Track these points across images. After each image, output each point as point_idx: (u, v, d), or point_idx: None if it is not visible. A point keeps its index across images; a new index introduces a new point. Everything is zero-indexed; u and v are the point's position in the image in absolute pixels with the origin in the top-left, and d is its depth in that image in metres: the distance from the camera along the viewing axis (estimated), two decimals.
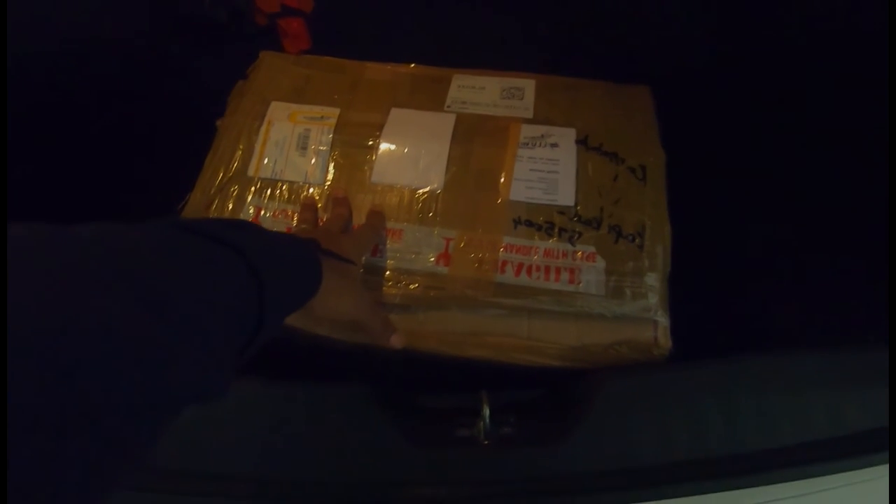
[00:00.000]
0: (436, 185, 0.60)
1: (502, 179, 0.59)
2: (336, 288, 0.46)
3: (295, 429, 0.44)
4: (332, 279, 0.45)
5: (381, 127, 0.63)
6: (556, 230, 0.57)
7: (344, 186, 0.60)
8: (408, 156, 0.61)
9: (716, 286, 0.67)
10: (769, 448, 0.44)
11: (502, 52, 0.77)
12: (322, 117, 0.64)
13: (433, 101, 0.66)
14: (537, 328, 0.54)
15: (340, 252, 0.49)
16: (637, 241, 0.56)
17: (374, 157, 0.61)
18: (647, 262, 0.56)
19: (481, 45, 0.84)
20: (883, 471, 0.44)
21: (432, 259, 0.57)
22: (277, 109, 0.65)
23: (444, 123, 0.63)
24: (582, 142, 0.61)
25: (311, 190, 0.61)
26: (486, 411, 0.44)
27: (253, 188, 0.61)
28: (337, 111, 0.64)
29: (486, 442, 0.44)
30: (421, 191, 0.59)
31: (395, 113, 0.64)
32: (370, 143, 0.62)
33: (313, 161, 0.62)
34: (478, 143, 0.62)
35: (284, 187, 0.61)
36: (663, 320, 0.54)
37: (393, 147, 0.62)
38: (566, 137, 0.62)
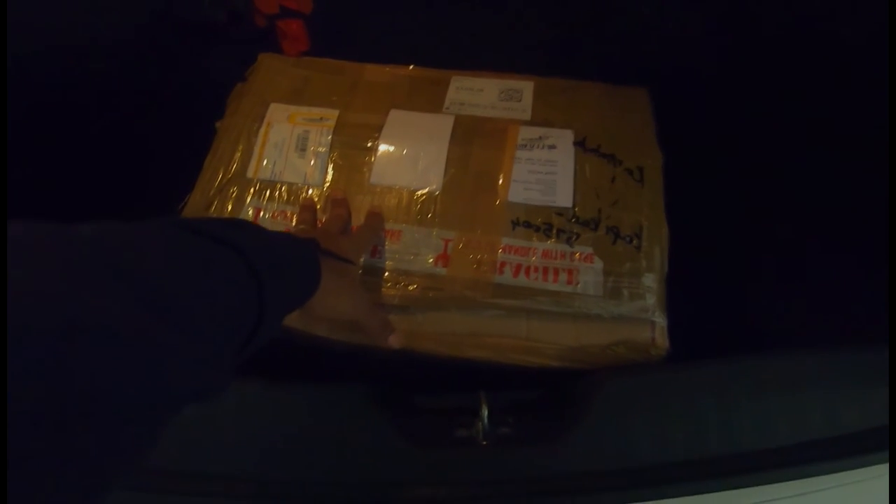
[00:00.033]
0: (434, 187, 0.60)
1: (501, 181, 0.60)
2: (335, 288, 0.47)
3: (294, 429, 0.44)
4: (331, 279, 0.45)
5: (379, 128, 0.63)
6: (555, 231, 0.57)
7: (343, 188, 0.61)
8: (406, 157, 0.61)
9: (713, 287, 0.68)
10: (766, 448, 0.44)
11: (500, 54, 0.78)
12: (321, 119, 0.64)
13: (432, 102, 0.66)
14: (536, 329, 0.54)
15: (339, 252, 0.50)
16: (635, 242, 0.57)
17: (372, 159, 0.62)
18: (645, 262, 0.56)
19: (480, 46, 0.84)
20: (879, 471, 0.44)
21: (431, 260, 0.57)
22: (276, 111, 0.65)
23: (442, 125, 0.63)
24: (580, 143, 0.62)
25: (310, 191, 0.61)
26: (485, 412, 0.44)
27: (252, 189, 0.61)
28: (336, 113, 0.64)
29: (484, 442, 0.44)
30: (420, 192, 0.60)
31: (394, 114, 0.64)
32: (369, 144, 0.62)
33: (312, 162, 0.62)
34: (476, 145, 0.62)
35: (283, 188, 0.61)
36: (661, 321, 0.54)
37: (392, 148, 0.62)
38: (564, 139, 0.62)
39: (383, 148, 0.62)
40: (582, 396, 0.46)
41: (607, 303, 0.54)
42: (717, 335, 0.53)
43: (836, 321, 0.66)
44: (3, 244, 0.21)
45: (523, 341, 0.54)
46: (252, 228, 0.39)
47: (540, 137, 0.62)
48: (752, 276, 0.73)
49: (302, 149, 0.62)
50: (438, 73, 0.70)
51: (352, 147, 0.62)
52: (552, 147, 0.61)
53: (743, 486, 0.43)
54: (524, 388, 0.51)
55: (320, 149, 0.62)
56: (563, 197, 0.59)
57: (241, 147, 0.63)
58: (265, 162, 0.62)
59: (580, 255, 0.56)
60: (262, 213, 0.60)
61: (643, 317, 0.54)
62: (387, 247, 0.58)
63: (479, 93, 0.67)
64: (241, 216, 0.60)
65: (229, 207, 0.60)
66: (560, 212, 0.58)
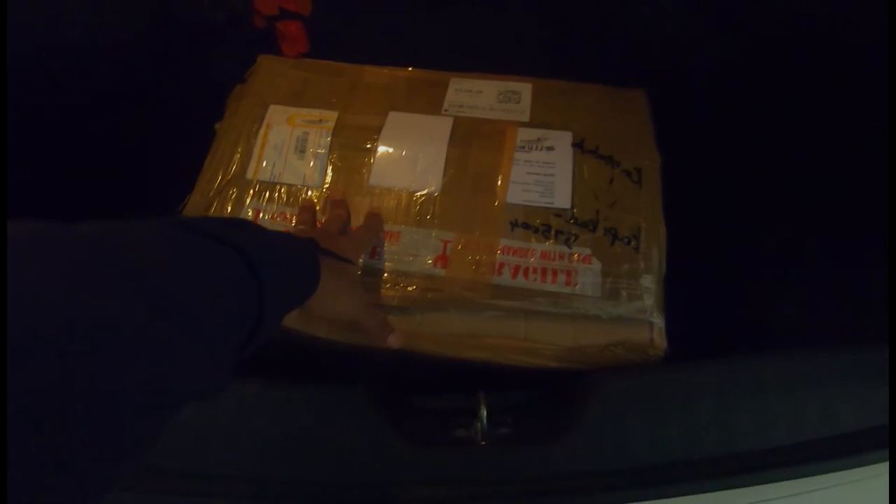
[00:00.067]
0: (433, 188, 0.60)
1: (499, 182, 0.60)
2: (334, 287, 0.47)
3: (294, 429, 0.45)
4: (330, 278, 0.45)
5: (378, 130, 0.63)
6: (553, 233, 0.57)
7: (342, 189, 0.61)
8: (405, 159, 0.62)
9: (711, 288, 0.68)
10: (764, 448, 0.44)
11: (499, 56, 0.78)
12: (320, 120, 0.64)
13: (431, 104, 0.66)
14: (534, 329, 0.55)
15: (338, 252, 0.50)
16: (633, 243, 0.57)
17: (372, 160, 0.62)
18: (643, 263, 0.56)
19: (478, 48, 0.85)
20: (876, 470, 0.45)
21: (430, 261, 0.57)
22: (276, 112, 0.65)
23: (441, 127, 0.64)
24: (578, 145, 0.62)
25: (309, 193, 0.61)
26: (484, 412, 0.45)
27: (251, 191, 0.61)
28: (335, 114, 0.65)
29: (483, 442, 0.44)
30: (419, 193, 0.60)
31: (393, 116, 0.65)
32: (368, 146, 0.62)
33: (311, 164, 0.62)
34: (475, 147, 0.62)
35: (283, 190, 0.61)
36: (659, 321, 0.54)
37: (391, 150, 0.62)
38: (562, 141, 0.62)
39: (382, 149, 0.62)
40: (580, 397, 0.46)
41: (605, 304, 0.54)
42: (714, 336, 0.53)
43: (835, 321, 0.66)
44: (3, 244, 0.21)
45: (522, 342, 0.54)
46: (252, 228, 0.39)
47: (538, 139, 0.62)
48: (751, 276, 0.73)
49: (301, 150, 0.63)
50: (437, 75, 0.70)
51: (351, 149, 0.62)
52: (550, 149, 0.62)
53: (740, 486, 0.43)
54: (523, 389, 0.51)
55: (319, 150, 0.62)
56: (562, 198, 0.59)
57: (240, 148, 0.63)
58: (264, 163, 0.62)
59: (578, 256, 0.56)
60: (261, 215, 0.60)
61: (641, 317, 0.54)
62: (386, 248, 0.58)
63: (477, 94, 0.68)
64: (241, 217, 0.60)
65: (229, 209, 0.60)
66: (558, 213, 0.58)
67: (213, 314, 0.28)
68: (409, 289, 0.56)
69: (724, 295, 0.70)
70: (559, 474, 0.43)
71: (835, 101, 0.74)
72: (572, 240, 0.57)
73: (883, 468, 0.45)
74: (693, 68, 0.85)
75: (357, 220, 0.59)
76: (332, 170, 0.62)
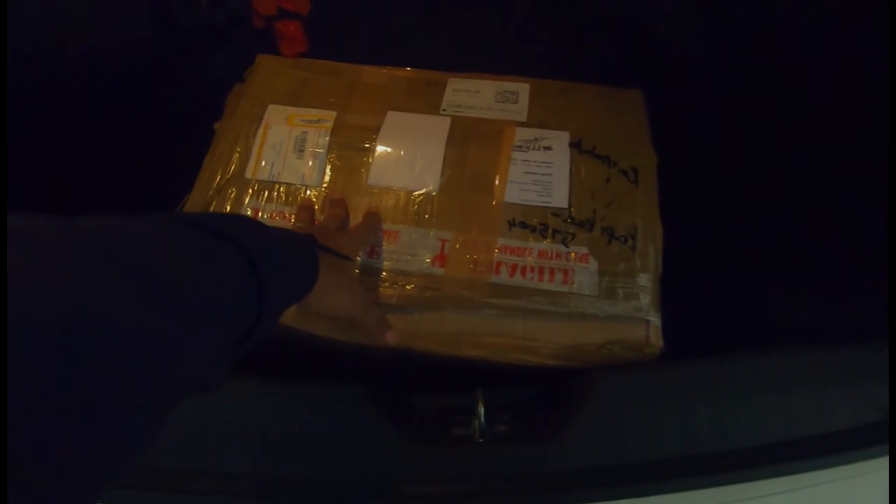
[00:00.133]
0: (431, 188, 0.60)
1: (497, 182, 0.60)
2: (332, 284, 0.47)
3: (292, 427, 0.45)
4: (329, 275, 0.46)
5: (377, 130, 0.64)
6: (550, 232, 0.58)
7: (341, 188, 0.61)
8: (404, 158, 0.62)
9: (707, 286, 0.68)
10: (758, 444, 0.45)
11: (497, 56, 0.78)
12: (319, 120, 0.64)
13: (429, 104, 0.67)
14: (532, 328, 0.55)
15: (337, 248, 0.50)
16: (629, 242, 0.57)
17: (370, 160, 0.62)
18: (639, 262, 0.56)
19: (476, 48, 0.85)
20: (869, 466, 0.45)
21: (428, 260, 0.57)
22: (274, 112, 0.65)
23: (439, 126, 0.64)
24: (575, 145, 0.62)
25: (308, 192, 0.61)
26: (482, 410, 0.45)
27: (250, 190, 0.61)
28: (333, 114, 0.65)
29: (481, 440, 0.45)
30: (417, 193, 0.60)
31: (391, 116, 0.65)
32: (366, 145, 0.63)
33: (310, 163, 0.62)
34: (473, 146, 0.62)
35: (282, 189, 0.61)
36: (655, 320, 0.55)
37: (389, 150, 0.63)
38: (560, 140, 0.63)
39: (381, 149, 0.63)
40: (577, 395, 0.47)
41: (602, 302, 0.55)
42: (710, 334, 0.53)
43: (833, 320, 0.66)
44: (3, 238, 0.21)
45: (519, 340, 0.55)
46: (251, 224, 0.39)
47: (536, 139, 0.63)
48: (747, 275, 0.73)
49: (300, 150, 0.63)
50: (435, 75, 0.71)
51: (349, 148, 0.63)
52: (548, 148, 0.62)
53: (735, 482, 0.43)
54: (520, 387, 0.51)
55: (318, 150, 0.63)
56: (559, 198, 0.59)
57: (239, 148, 0.63)
58: (263, 163, 0.62)
59: (575, 255, 0.57)
60: (260, 214, 0.61)
61: (638, 316, 0.54)
62: (384, 247, 0.58)
63: (475, 94, 0.68)
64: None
65: (228, 208, 0.61)
66: (556, 212, 0.59)
67: (213, 309, 0.28)
68: (408, 287, 0.56)
69: (720, 293, 0.71)
70: (556, 471, 0.43)
71: (833, 101, 0.74)
72: (569, 239, 0.57)
73: (876, 464, 0.45)
74: (690, 68, 0.85)
75: (356, 220, 0.59)
76: (331, 169, 0.62)
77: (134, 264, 0.25)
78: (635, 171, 0.61)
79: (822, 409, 0.46)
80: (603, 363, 0.54)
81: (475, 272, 0.56)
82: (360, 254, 0.57)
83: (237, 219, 0.38)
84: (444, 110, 0.66)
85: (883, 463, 0.45)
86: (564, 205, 0.59)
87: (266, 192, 0.61)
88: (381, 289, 0.57)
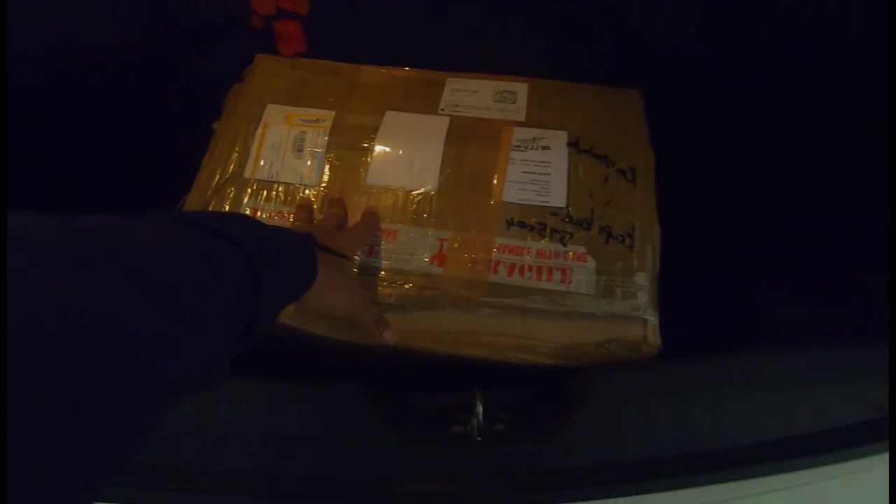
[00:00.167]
0: (430, 187, 0.60)
1: (495, 181, 0.60)
2: (330, 282, 0.47)
3: (292, 426, 0.45)
4: (327, 273, 0.46)
5: (375, 129, 0.64)
6: (548, 231, 0.58)
7: (339, 188, 0.61)
8: (402, 158, 0.62)
9: (704, 285, 0.69)
10: (755, 442, 0.45)
11: (495, 56, 0.78)
12: (317, 120, 0.65)
13: (427, 104, 0.67)
14: (530, 327, 0.55)
15: (335, 247, 0.50)
16: (627, 241, 0.58)
17: (369, 160, 0.62)
18: (637, 262, 0.57)
19: (475, 48, 0.85)
20: (865, 464, 0.45)
21: (427, 259, 0.58)
22: (273, 112, 0.65)
23: (438, 126, 0.64)
24: (573, 144, 0.62)
25: (306, 192, 0.61)
26: (480, 409, 0.45)
27: (249, 190, 0.62)
28: (332, 114, 0.65)
29: (479, 438, 0.45)
30: (415, 192, 0.60)
31: (390, 116, 0.65)
32: (365, 145, 0.63)
33: (309, 163, 0.62)
34: (471, 146, 0.63)
35: (280, 189, 0.62)
36: (652, 319, 0.55)
37: (388, 149, 0.63)
38: (558, 140, 0.63)
39: (379, 149, 0.63)
40: (575, 393, 0.47)
41: (600, 301, 0.55)
42: (707, 333, 0.54)
43: (831, 319, 0.67)
44: (3, 237, 0.21)
45: (518, 339, 0.55)
46: (249, 222, 0.39)
47: (534, 138, 0.63)
48: (744, 274, 0.73)
49: (298, 149, 0.63)
50: (434, 75, 0.71)
51: (348, 148, 0.63)
52: (546, 148, 0.62)
53: (732, 480, 0.43)
54: (518, 386, 0.51)
55: (317, 149, 0.63)
56: (557, 197, 0.59)
57: (238, 148, 0.63)
58: (262, 162, 0.62)
59: (573, 254, 0.57)
60: (259, 214, 0.61)
61: (635, 315, 0.55)
62: (383, 246, 0.58)
63: (473, 94, 0.68)
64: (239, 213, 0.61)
65: (226, 207, 0.61)
66: (554, 212, 0.59)
67: (211, 307, 0.28)
68: (406, 287, 0.57)
69: (718, 293, 0.71)
70: (554, 469, 0.43)
71: (833, 101, 0.74)
72: (567, 238, 0.58)
73: (872, 462, 0.45)
74: (689, 68, 0.85)
75: (354, 219, 0.60)
76: (330, 169, 0.62)
77: (133, 263, 0.25)
78: (633, 171, 0.61)
79: (819, 407, 0.46)
80: (601, 362, 0.54)
81: (473, 271, 0.57)
82: (359, 253, 0.58)
83: (235, 217, 0.38)
84: (442, 110, 0.66)
85: (879, 460, 0.45)
86: (562, 204, 0.59)
87: (265, 192, 0.61)
88: (379, 288, 0.57)
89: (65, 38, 0.75)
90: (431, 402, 0.50)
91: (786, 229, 0.74)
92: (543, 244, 0.57)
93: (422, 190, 0.60)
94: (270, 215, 0.60)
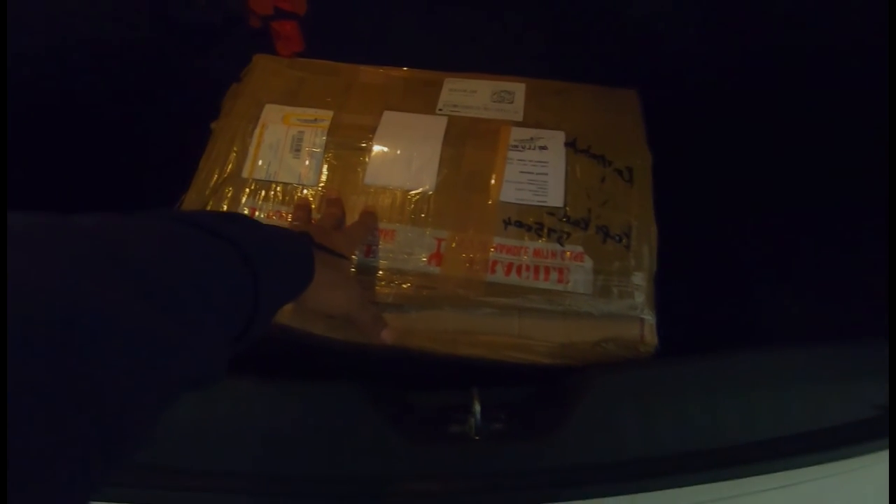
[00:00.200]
0: (428, 187, 0.61)
1: (493, 181, 0.61)
2: (328, 281, 0.47)
3: (290, 426, 0.45)
4: (325, 273, 0.46)
5: (373, 129, 0.64)
6: (546, 231, 0.58)
7: (337, 188, 0.61)
8: (400, 158, 0.62)
9: (702, 285, 0.69)
10: (752, 441, 0.45)
11: (493, 56, 0.79)
12: (315, 120, 0.65)
13: (425, 104, 0.67)
14: (527, 326, 0.55)
15: (333, 247, 0.50)
16: (624, 241, 0.58)
17: (366, 159, 0.62)
18: (634, 261, 0.57)
19: (472, 48, 0.85)
20: (861, 462, 0.46)
21: (424, 259, 0.58)
22: (271, 112, 0.65)
23: (435, 126, 0.64)
24: (571, 144, 0.63)
25: (304, 191, 0.62)
26: (478, 408, 0.45)
27: (247, 189, 0.62)
28: (330, 114, 0.65)
29: (477, 437, 0.45)
30: (413, 192, 0.60)
31: (388, 116, 0.65)
32: (363, 145, 0.63)
33: (307, 163, 0.62)
34: (469, 146, 0.63)
35: (278, 189, 0.62)
36: (649, 318, 0.55)
37: (385, 149, 0.63)
38: (555, 140, 0.63)
39: (377, 149, 0.63)
40: (572, 392, 0.47)
41: (597, 301, 0.55)
42: (704, 332, 0.54)
43: (828, 318, 0.67)
44: (3, 236, 0.21)
45: (515, 339, 0.55)
46: (247, 222, 0.39)
47: (531, 138, 0.63)
48: (742, 273, 0.74)
49: (296, 149, 0.63)
50: (432, 75, 0.71)
51: (346, 148, 0.63)
52: (543, 148, 0.62)
53: (729, 478, 0.44)
54: (516, 385, 0.51)
55: (315, 149, 0.63)
56: (555, 197, 0.60)
57: (236, 148, 0.63)
58: (260, 162, 0.63)
59: (571, 254, 0.57)
60: (257, 213, 0.61)
61: (632, 314, 0.55)
62: (381, 246, 0.58)
63: (471, 94, 0.68)
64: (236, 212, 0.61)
65: (225, 207, 0.61)
66: (551, 211, 0.59)
67: (210, 306, 0.29)
68: (404, 286, 0.57)
69: (715, 292, 0.71)
70: (552, 468, 0.44)
71: (832, 100, 0.74)
72: (565, 238, 0.58)
73: (870, 460, 0.46)
74: (687, 68, 0.86)
75: (352, 219, 0.60)
76: (328, 168, 0.62)
77: (132, 262, 0.25)
78: (630, 171, 0.61)
79: (816, 406, 0.47)
80: (598, 361, 0.54)
81: (471, 271, 0.57)
82: (357, 252, 0.58)
83: (233, 217, 0.38)
84: (440, 110, 0.66)
85: (877, 458, 0.45)
86: (560, 204, 0.59)
87: (263, 192, 0.61)
88: (377, 287, 0.57)
89: (65, 38, 0.75)
90: (429, 402, 0.50)
91: (785, 229, 0.74)
92: (541, 244, 0.58)
93: (419, 190, 0.60)
94: (268, 215, 0.61)
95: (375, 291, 0.57)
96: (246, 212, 0.61)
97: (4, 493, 0.17)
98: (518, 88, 0.69)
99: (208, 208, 0.61)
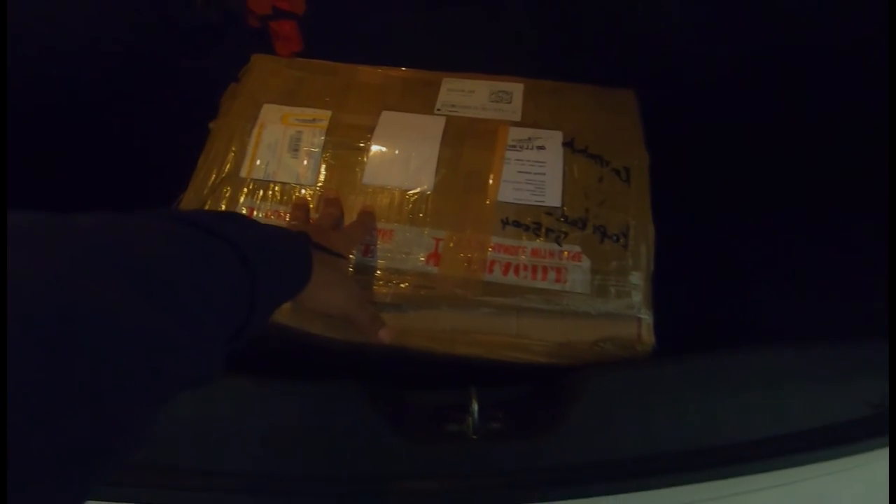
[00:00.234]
0: (426, 187, 0.61)
1: (491, 181, 0.61)
2: (326, 281, 0.47)
3: (288, 425, 0.45)
4: (323, 272, 0.46)
5: (372, 129, 0.64)
6: (543, 230, 0.58)
7: (335, 188, 0.61)
8: (398, 158, 0.62)
9: (698, 284, 0.69)
10: (750, 439, 0.45)
11: (491, 56, 0.78)
12: (314, 119, 0.65)
13: (423, 104, 0.67)
14: (525, 326, 0.56)
15: (330, 246, 0.50)
16: (621, 240, 0.58)
17: (365, 159, 0.62)
18: (631, 261, 0.57)
19: (471, 48, 0.85)
20: (859, 461, 0.46)
21: (422, 259, 0.58)
22: (269, 112, 0.65)
23: (434, 126, 0.64)
24: (568, 144, 0.63)
25: (302, 191, 0.62)
26: (475, 407, 0.45)
27: (245, 189, 0.62)
28: (328, 113, 0.65)
29: (474, 437, 0.45)
30: (411, 192, 0.61)
31: (386, 115, 0.65)
32: (361, 145, 0.63)
33: (305, 163, 0.63)
34: (467, 146, 0.63)
35: (277, 188, 0.62)
36: (647, 317, 0.55)
37: (384, 149, 0.63)
38: (553, 140, 0.63)
39: (375, 148, 0.63)
40: (570, 392, 0.47)
41: (594, 300, 0.55)
42: (701, 331, 0.54)
43: (827, 318, 0.67)
44: (3, 235, 0.21)
45: (513, 338, 0.55)
46: (245, 221, 0.39)
47: (529, 138, 0.63)
48: (739, 273, 0.74)
49: (295, 149, 0.63)
50: (430, 75, 0.71)
51: (344, 147, 0.63)
52: (541, 148, 0.62)
53: (726, 477, 0.44)
54: (514, 384, 0.51)
55: (313, 149, 0.63)
56: (552, 197, 0.60)
57: (234, 147, 0.63)
58: (258, 162, 0.63)
59: (568, 253, 0.57)
60: (255, 213, 0.61)
61: (629, 314, 0.55)
62: (379, 246, 0.59)
63: (469, 94, 0.68)
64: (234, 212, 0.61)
65: (223, 207, 0.61)
66: (549, 211, 0.59)
67: (208, 305, 0.29)
68: (402, 286, 0.57)
69: (713, 292, 0.71)
70: (549, 467, 0.44)
71: (832, 100, 0.75)
72: (562, 237, 0.58)
73: (867, 458, 0.46)
74: (686, 67, 0.86)
75: (350, 219, 0.60)
76: (326, 168, 0.62)
77: (130, 261, 0.25)
78: (627, 171, 0.62)
79: (814, 405, 0.47)
80: (595, 360, 0.54)
81: (469, 270, 0.57)
82: (355, 252, 0.58)
83: (231, 216, 0.38)
84: (438, 110, 0.67)
85: (875, 456, 0.45)
86: (557, 204, 0.59)
87: (261, 191, 0.61)
88: (375, 287, 0.57)
89: (65, 38, 0.75)
90: (427, 401, 0.50)
91: (784, 229, 0.74)
92: (539, 243, 0.58)
93: (418, 189, 0.61)
94: (267, 215, 0.61)
95: (373, 291, 0.57)
96: (244, 211, 0.61)
97: (4, 493, 0.17)
98: (516, 88, 0.69)
99: (206, 208, 0.61)
